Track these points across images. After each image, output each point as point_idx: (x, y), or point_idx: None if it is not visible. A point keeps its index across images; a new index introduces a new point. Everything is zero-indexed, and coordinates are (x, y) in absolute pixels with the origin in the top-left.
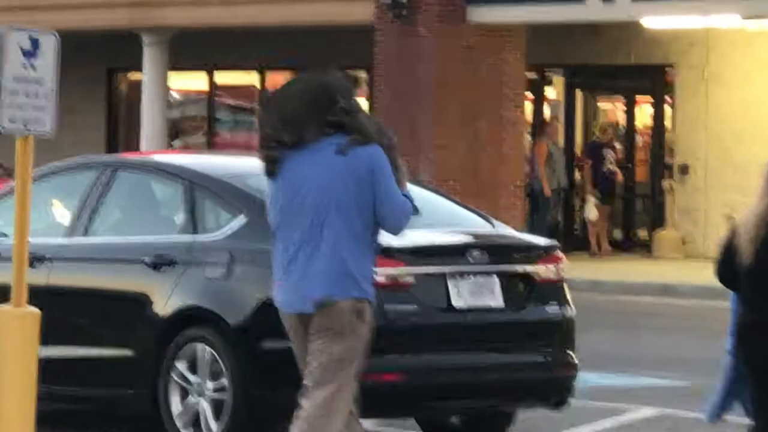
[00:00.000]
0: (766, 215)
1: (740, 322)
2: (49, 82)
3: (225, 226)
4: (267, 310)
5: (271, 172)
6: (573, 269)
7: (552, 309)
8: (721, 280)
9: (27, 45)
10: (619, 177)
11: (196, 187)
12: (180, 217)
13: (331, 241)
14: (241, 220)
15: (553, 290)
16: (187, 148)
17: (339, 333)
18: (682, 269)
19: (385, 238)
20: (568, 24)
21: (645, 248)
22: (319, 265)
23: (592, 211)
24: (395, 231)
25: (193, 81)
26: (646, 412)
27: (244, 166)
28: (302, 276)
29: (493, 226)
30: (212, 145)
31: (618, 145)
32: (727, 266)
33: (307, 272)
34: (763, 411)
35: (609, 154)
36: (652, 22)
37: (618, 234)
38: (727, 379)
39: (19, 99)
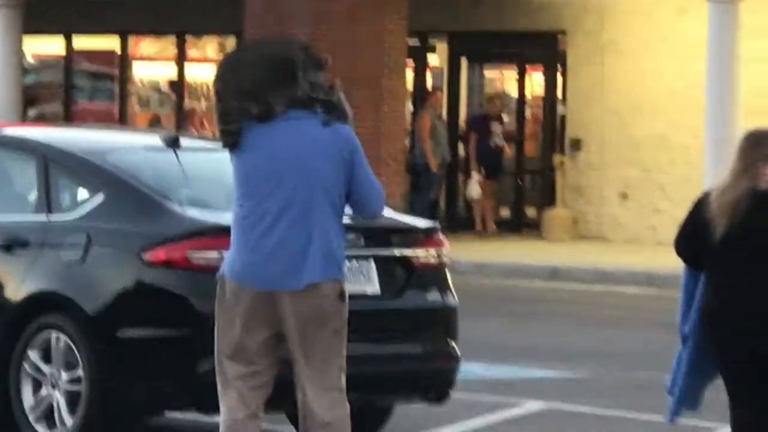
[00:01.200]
0: (743, 194)
1: (706, 305)
2: None
3: (82, 205)
4: (127, 296)
5: (233, 143)
6: (456, 251)
7: (432, 296)
8: (684, 258)
9: None
10: (507, 152)
11: (51, 163)
12: (34, 196)
13: (320, 221)
14: (99, 198)
15: (434, 276)
16: (42, 117)
17: (328, 319)
18: (573, 251)
19: None
20: None
21: (534, 228)
22: (308, 245)
23: (475, 188)
24: (373, 215)
25: (50, 45)
26: (532, 406)
27: (104, 140)
28: (284, 253)
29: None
30: (70, 113)
31: (506, 118)
32: (691, 243)
33: (292, 250)
34: (736, 398)
35: (496, 127)
36: None
37: (506, 213)
38: (689, 368)
39: None
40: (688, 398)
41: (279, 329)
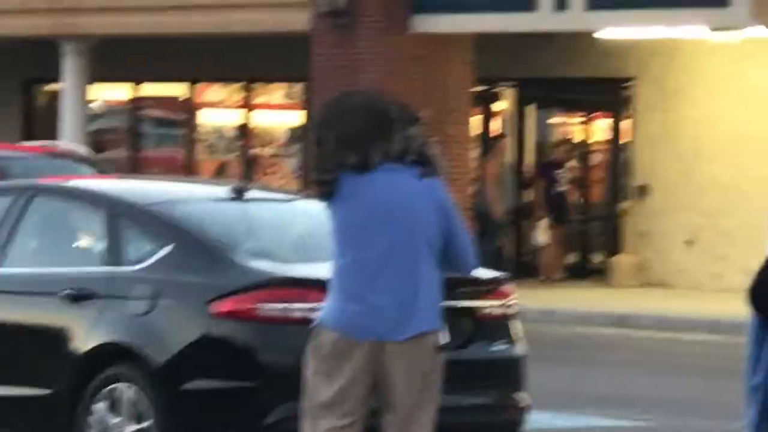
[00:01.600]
0: None
1: None
2: None
3: (150, 257)
4: (194, 347)
5: (328, 193)
6: (523, 297)
7: (498, 347)
8: (760, 309)
9: None
10: (573, 197)
11: (119, 216)
12: (101, 247)
13: (424, 270)
14: (166, 250)
15: (501, 327)
16: (108, 163)
17: (428, 372)
18: (640, 298)
19: (318, 271)
20: (519, 34)
21: (600, 275)
22: (415, 294)
23: (542, 234)
24: (469, 270)
25: (116, 92)
26: None
27: (171, 192)
28: (391, 302)
29: None
30: (136, 160)
31: (573, 164)
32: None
33: (399, 299)
34: None
35: (562, 174)
36: (609, 33)
37: (572, 259)
38: (761, 417)
39: None
40: None
41: (377, 380)
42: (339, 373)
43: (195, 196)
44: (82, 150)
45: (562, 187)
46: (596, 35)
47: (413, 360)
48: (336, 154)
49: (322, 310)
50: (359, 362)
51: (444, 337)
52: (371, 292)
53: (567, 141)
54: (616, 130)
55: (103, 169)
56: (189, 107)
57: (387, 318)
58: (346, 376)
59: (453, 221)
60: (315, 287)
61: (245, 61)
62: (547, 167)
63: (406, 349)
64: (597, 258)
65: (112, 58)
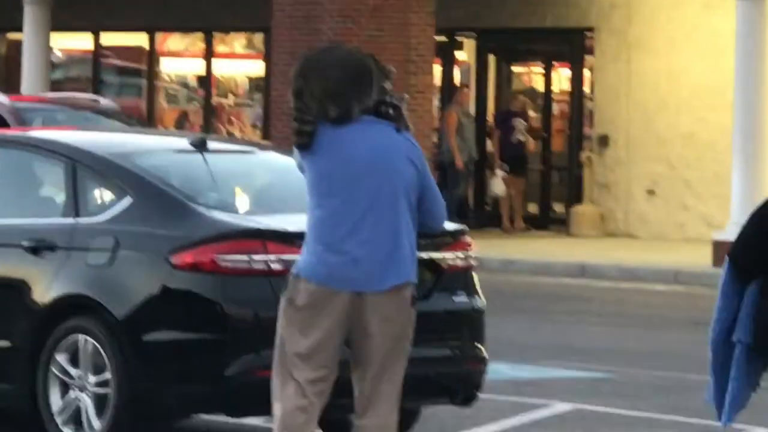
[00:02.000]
0: None
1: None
2: None
3: (110, 208)
4: (154, 299)
5: (306, 144)
6: (484, 248)
7: (460, 299)
8: (742, 267)
9: None
10: (531, 147)
11: (80, 167)
12: (62, 199)
13: (403, 222)
14: (127, 201)
15: (462, 279)
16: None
17: (404, 323)
18: (600, 248)
19: (279, 223)
20: None
21: (561, 225)
22: (395, 246)
23: (498, 184)
24: (439, 228)
25: (77, 41)
26: (560, 407)
27: (132, 143)
28: (371, 254)
29: None
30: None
31: (533, 114)
32: (752, 251)
33: (378, 251)
34: None
35: (519, 123)
36: None
37: (533, 209)
38: (743, 372)
39: None
40: (741, 400)
41: (351, 331)
42: (316, 324)
43: (156, 147)
44: (105, 102)
45: (519, 137)
46: None
47: (391, 311)
48: (317, 107)
49: (298, 261)
50: (337, 313)
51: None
52: (352, 243)
53: (524, 91)
54: (576, 80)
55: (126, 120)
56: (150, 56)
57: (368, 269)
58: (323, 328)
59: (426, 176)
60: (276, 239)
61: (206, 10)
62: (504, 117)
63: (384, 300)
64: (558, 208)
65: (73, 7)
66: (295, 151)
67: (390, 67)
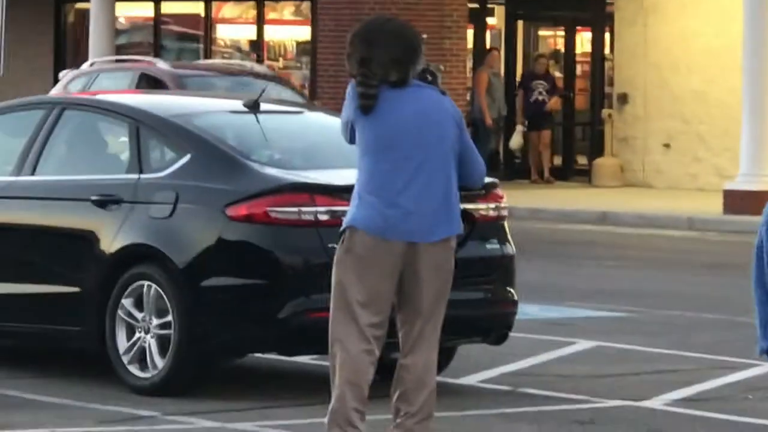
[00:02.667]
0: None
1: None
2: None
3: (170, 165)
4: (212, 248)
5: (371, 107)
6: (513, 198)
7: (492, 246)
8: None
9: None
10: (551, 106)
11: (143, 127)
12: (126, 156)
13: (450, 178)
14: (186, 159)
15: (494, 228)
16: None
17: (449, 271)
18: (620, 197)
19: (326, 177)
20: None
21: (584, 176)
22: (444, 200)
23: (516, 139)
24: (477, 184)
25: (140, 10)
26: (584, 345)
27: (191, 105)
28: (424, 207)
29: None
30: None
31: (557, 74)
32: None
33: (430, 204)
34: None
35: (539, 84)
36: None
37: (558, 162)
38: None
39: None
40: None
41: (402, 279)
42: (373, 273)
43: (212, 109)
44: (259, 67)
45: (539, 97)
46: None
47: (440, 260)
48: (382, 72)
49: (351, 214)
50: (392, 262)
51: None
52: (406, 197)
53: (543, 54)
54: (597, 43)
55: (281, 83)
56: (206, 23)
57: (420, 221)
58: (379, 276)
59: (465, 135)
60: (323, 192)
61: None
62: (527, 78)
63: (435, 250)
64: (581, 160)
65: None
66: (347, 112)
67: (424, 36)
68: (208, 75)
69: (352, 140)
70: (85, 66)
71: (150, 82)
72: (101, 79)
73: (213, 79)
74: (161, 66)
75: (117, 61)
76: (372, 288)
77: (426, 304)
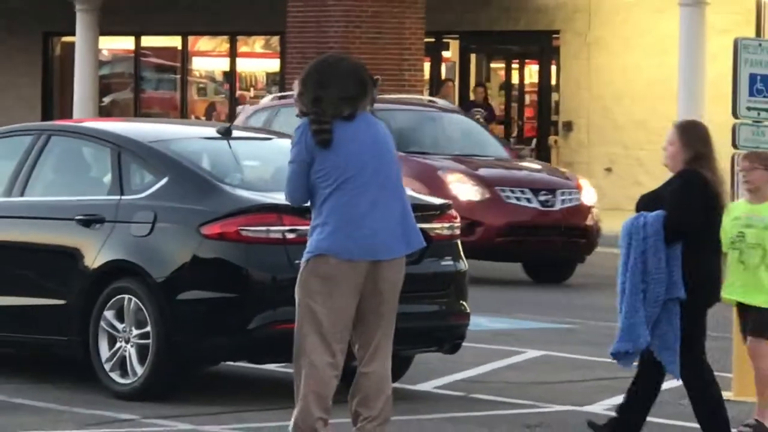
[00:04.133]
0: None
1: (706, 268)
2: None
3: (149, 187)
4: (187, 264)
5: (328, 141)
6: None
7: (446, 263)
8: (693, 227)
9: None
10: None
11: (124, 152)
12: (109, 179)
13: (403, 198)
14: (164, 181)
15: (448, 246)
16: (115, 104)
17: (401, 284)
18: None
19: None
20: None
21: None
22: (401, 219)
23: None
24: None
25: (121, 43)
26: (532, 354)
27: (168, 131)
28: (386, 228)
29: None
30: (138, 100)
31: (499, 104)
32: (701, 217)
33: (391, 225)
34: (694, 341)
35: (477, 112)
36: None
37: None
38: (675, 327)
39: None
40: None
41: (364, 294)
42: (339, 293)
43: (188, 135)
44: (442, 102)
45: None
46: None
47: (397, 275)
48: (333, 109)
49: (316, 241)
50: (357, 280)
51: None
52: (371, 220)
53: (482, 84)
54: (545, 75)
55: (469, 116)
56: (183, 56)
57: (384, 240)
58: (345, 295)
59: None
60: (290, 212)
61: (231, 16)
62: (465, 106)
63: (394, 266)
64: None
65: (118, 14)
66: (299, 149)
67: (377, 76)
68: (394, 109)
69: (301, 189)
70: (265, 100)
71: None
72: (283, 113)
73: (398, 113)
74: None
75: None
76: (338, 306)
77: (386, 316)
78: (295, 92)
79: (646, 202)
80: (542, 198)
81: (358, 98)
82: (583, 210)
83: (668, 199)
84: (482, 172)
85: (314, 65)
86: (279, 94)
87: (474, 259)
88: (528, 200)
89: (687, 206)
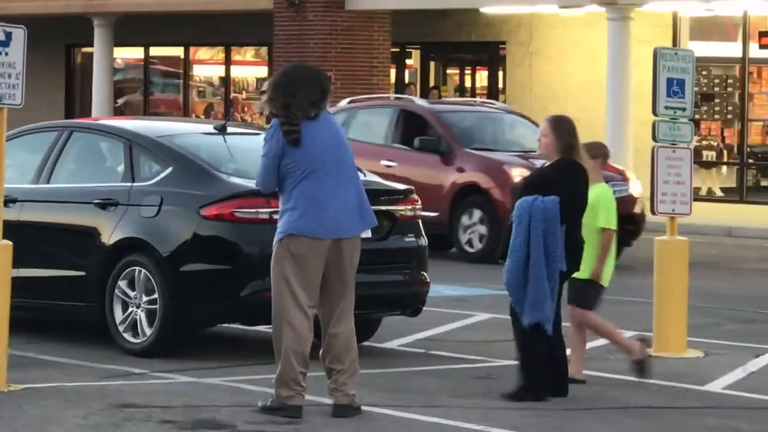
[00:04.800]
0: None
1: (580, 243)
2: (19, 66)
3: (156, 175)
4: (189, 241)
5: (297, 140)
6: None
7: (409, 239)
8: (585, 208)
9: (1, 37)
10: None
11: (134, 145)
12: (122, 168)
13: (358, 183)
14: (169, 170)
15: (411, 225)
16: (128, 104)
17: (358, 257)
18: None
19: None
20: (424, 10)
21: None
22: (357, 202)
23: None
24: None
25: (133, 53)
26: (482, 316)
27: (172, 128)
28: (346, 210)
29: (365, 175)
30: (148, 102)
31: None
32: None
33: (351, 207)
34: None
35: None
36: (489, 8)
37: None
38: (555, 292)
39: None
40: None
41: (328, 265)
42: (310, 266)
43: (189, 131)
44: (500, 104)
45: None
46: (481, 10)
47: (355, 249)
48: (303, 112)
49: (287, 223)
50: (323, 255)
51: (366, 234)
52: (333, 204)
53: (436, 87)
54: (493, 80)
55: (520, 115)
56: (185, 64)
57: (344, 221)
58: (314, 267)
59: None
60: (275, 197)
61: (226, 30)
62: None
63: (352, 243)
64: None
65: (130, 28)
66: (271, 145)
67: (330, 74)
68: (461, 110)
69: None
70: (343, 103)
71: (408, 118)
72: (361, 115)
73: (465, 114)
74: (419, 103)
75: (374, 98)
76: (308, 277)
77: (348, 283)
78: (264, 95)
79: (533, 186)
80: None
81: (321, 102)
82: (630, 200)
83: (562, 184)
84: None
85: (282, 74)
86: (352, 98)
87: None
88: None
89: (580, 191)
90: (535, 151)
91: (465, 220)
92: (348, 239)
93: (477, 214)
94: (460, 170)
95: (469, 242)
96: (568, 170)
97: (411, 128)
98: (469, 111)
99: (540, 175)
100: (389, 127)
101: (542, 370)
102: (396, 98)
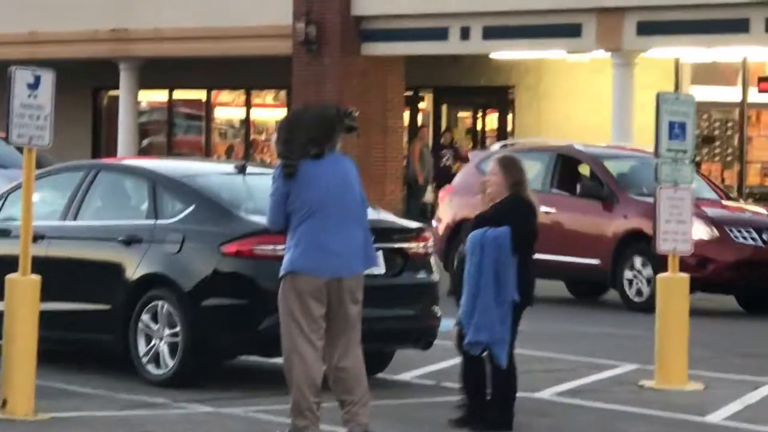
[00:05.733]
0: None
1: (531, 274)
2: (48, 108)
3: (179, 213)
4: (210, 276)
5: (292, 174)
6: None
7: (421, 275)
8: (535, 240)
9: (30, 80)
10: (456, 169)
11: (158, 185)
12: (146, 207)
13: (364, 225)
14: (191, 208)
15: (423, 262)
16: (152, 145)
17: (361, 294)
18: None
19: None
20: (436, 55)
21: None
22: (361, 243)
23: (427, 196)
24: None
25: (157, 95)
26: None
27: (195, 168)
28: (348, 251)
29: (378, 213)
30: (171, 142)
31: (465, 145)
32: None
33: (353, 248)
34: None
35: (445, 153)
36: (498, 54)
37: None
38: (509, 324)
39: (24, 120)
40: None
41: (331, 302)
42: (313, 303)
43: (211, 171)
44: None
45: (447, 162)
46: (490, 56)
47: (356, 287)
48: (302, 149)
49: (290, 261)
50: (323, 292)
51: (379, 270)
52: (335, 245)
53: (449, 129)
54: (502, 122)
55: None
56: (207, 106)
57: (345, 261)
58: (317, 304)
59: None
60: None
61: (247, 74)
62: (436, 149)
63: (353, 281)
64: None
65: (155, 72)
66: (277, 185)
67: (354, 109)
68: (620, 155)
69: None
70: (495, 147)
71: (566, 162)
72: None
73: (624, 159)
74: (579, 148)
75: (529, 142)
76: (312, 313)
77: (351, 319)
78: (273, 138)
79: (485, 220)
80: (765, 236)
81: (323, 140)
82: None
83: (512, 219)
84: (709, 212)
85: (290, 113)
86: (503, 142)
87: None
88: (754, 239)
89: (530, 225)
90: (702, 198)
91: (628, 267)
92: (349, 278)
93: (638, 260)
94: (625, 217)
95: (639, 292)
96: (517, 206)
97: (569, 174)
98: (627, 156)
99: (491, 211)
100: (547, 172)
101: (476, 397)
102: (553, 143)
